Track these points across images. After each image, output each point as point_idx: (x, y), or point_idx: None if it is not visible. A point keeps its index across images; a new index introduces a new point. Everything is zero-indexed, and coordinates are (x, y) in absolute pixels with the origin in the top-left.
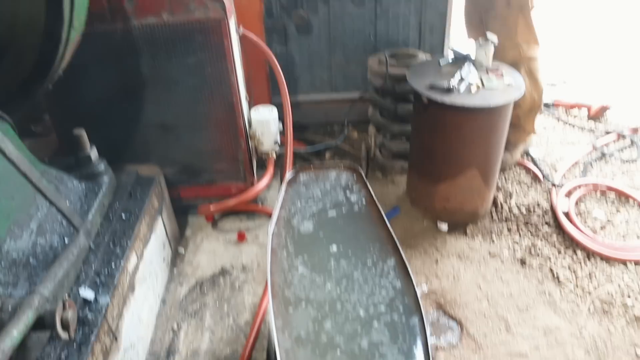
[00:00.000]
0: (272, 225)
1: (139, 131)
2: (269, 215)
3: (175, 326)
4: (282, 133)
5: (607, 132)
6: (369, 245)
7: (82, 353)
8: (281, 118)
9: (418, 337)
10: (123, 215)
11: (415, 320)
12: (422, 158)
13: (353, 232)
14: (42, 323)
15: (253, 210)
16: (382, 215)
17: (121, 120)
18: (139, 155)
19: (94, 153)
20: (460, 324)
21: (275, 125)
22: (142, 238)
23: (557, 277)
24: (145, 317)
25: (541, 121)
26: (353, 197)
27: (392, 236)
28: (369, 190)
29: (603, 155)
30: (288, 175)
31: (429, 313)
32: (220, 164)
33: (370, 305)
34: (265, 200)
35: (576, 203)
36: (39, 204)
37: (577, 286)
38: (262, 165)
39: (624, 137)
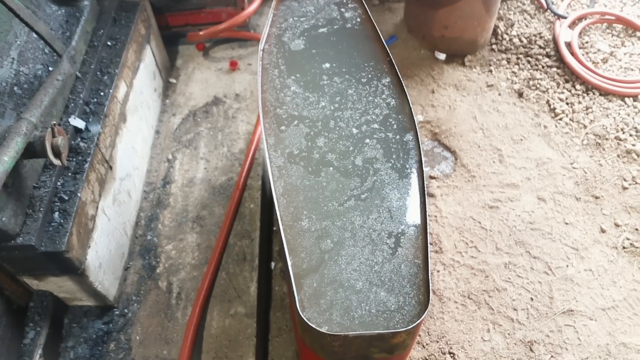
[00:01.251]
0: (262, 41)
1: None
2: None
3: (170, 156)
4: None
5: None
6: (364, 63)
7: (77, 181)
8: None
9: (412, 153)
10: (109, 42)
11: (409, 137)
12: None
13: (347, 50)
14: (33, 150)
15: (245, 37)
16: (378, 33)
17: None
18: None
19: None
20: (454, 154)
21: None
22: (130, 66)
23: (554, 110)
24: (140, 147)
25: None
26: (348, 14)
27: (387, 54)
28: (365, 7)
29: None
30: None
31: (424, 143)
32: None
33: (364, 122)
34: (258, 27)
35: (580, 34)
36: (17, 30)
37: (572, 120)
38: None
39: None
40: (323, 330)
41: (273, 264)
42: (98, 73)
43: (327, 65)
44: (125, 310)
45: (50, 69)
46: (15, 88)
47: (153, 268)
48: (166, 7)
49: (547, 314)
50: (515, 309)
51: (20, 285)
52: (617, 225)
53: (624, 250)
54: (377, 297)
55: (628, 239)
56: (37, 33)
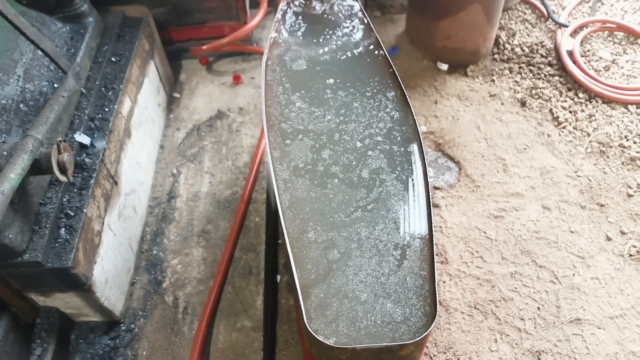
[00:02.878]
0: (265, 55)
1: None
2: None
3: (174, 171)
4: None
5: None
6: (368, 77)
7: (83, 197)
8: None
9: (416, 165)
10: (113, 58)
11: (413, 148)
12: None
13: (351, 65)
14: (39, 167)
15: (248, 50)
16: (381, 48)
17: None
18: None
19: None
20: (458, 164)
21: None
22: (134, 82)
23: (557, 119)
24: (144, 162)
25: None
26: (350, 27)
27: (390, 66)
28: (368, 21)
29: None
30: (282, 3)
31: (428, 153)
32: (211, 2)
33: (369, 135)
34: (261, 41)
35: (581, 42)
36: (23, 48)
37: (576, 128)
38: (256, 4)
39: None
40: (330, 343)
41: (279, 276)
42: (103, 89)
43: (332, 81)
44: (132, 326)
45: (56, 85)
46: (21, 105)
47: (159, 283)
48: (169, 22)
49: (554, 323)
50: (522, 319)
51: (27, 301)
52: (622, 232)
53: (630, 258)
54: (383, 308)
55: (634, 246)
56: (42, 50)
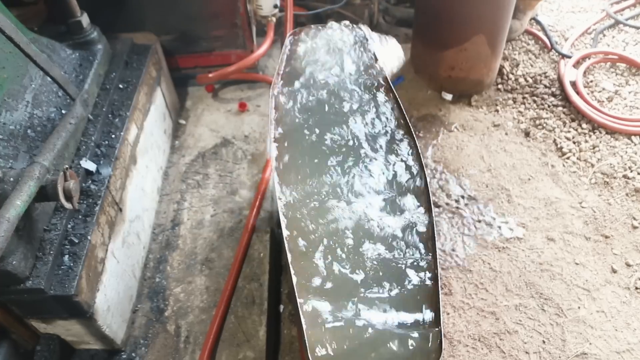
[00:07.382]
0: (273, 86)
1: None
2: (270, 84)
3: (179, 198)
4: None
5: None
6: (376, 114)
7: (88, 224)
8: None
9: (421, 199)
10: (120, 85)
11: (418, 182)
12: (427, 23)
13: (358, 94)
14: (45, 194)
15: (253, 78)
16: (386, 79)
17: None
18: (134, 23)
19: (85, 19)
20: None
21: None
22: (141, 109)
23: (561, 149)
24: (149, 189)
25: None
26: (356, 59)
27: (397, 101)
28: (371, 51)
29: (617, 22)
30: (289, 34)
31: (432, 184)
32: (218, 30)
33: (374, 165)
34: (266, 69)
35: (584, 73)
36: (32, 74)
37: (580, 158)
38: (263, 33)
39: None
40: None
41: (282, 307)
42: (110, 115)
43: (344, 108)
44: (133, 354)
45: (63, 111)
46: (29, 131)
47: (161, 311)
48: (176, 50)
49: (560, 357)
50: (527, 352)
51: (27, 328)
52: (628, 265)
53: (636, 291)
54: (390, 344)
55: None
56: (52, 78)
